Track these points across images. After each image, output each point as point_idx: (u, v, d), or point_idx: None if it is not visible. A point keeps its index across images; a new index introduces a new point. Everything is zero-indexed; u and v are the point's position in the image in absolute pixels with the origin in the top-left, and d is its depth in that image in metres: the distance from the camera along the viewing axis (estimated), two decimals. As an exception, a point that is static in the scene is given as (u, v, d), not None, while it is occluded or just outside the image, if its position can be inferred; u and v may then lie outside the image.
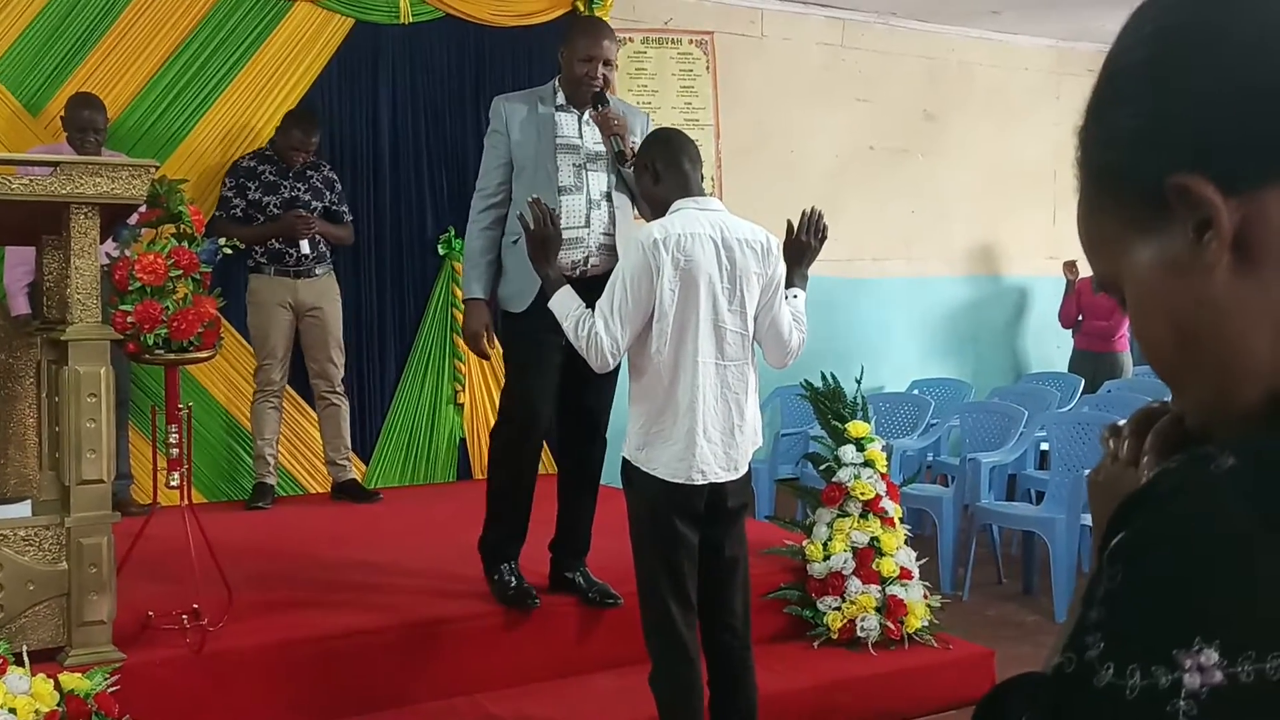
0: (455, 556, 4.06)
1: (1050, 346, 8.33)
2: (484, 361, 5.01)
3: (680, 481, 2.96)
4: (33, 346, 3.29)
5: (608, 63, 3.74)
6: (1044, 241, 8.18)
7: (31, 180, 3.08)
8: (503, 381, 4.03)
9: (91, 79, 5.36)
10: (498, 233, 3.78)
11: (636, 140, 3.77)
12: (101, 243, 3.20)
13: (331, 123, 5.82)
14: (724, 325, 2.99)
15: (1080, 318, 7.68)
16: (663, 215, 3.04)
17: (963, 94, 7.99)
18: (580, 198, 3.70)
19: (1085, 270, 7.29)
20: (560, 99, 3.79)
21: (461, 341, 4.89)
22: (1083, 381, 7.06)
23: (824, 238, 3.30)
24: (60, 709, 2.87)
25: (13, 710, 2.78)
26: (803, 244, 3.27)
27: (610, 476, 3.33)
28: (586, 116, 3.77)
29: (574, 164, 3.74)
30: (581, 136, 3.78)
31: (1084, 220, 0.78)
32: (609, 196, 3.77)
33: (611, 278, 3.04)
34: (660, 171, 3.08)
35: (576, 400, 3.82)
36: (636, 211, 3.82)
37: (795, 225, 3.28)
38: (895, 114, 7.72)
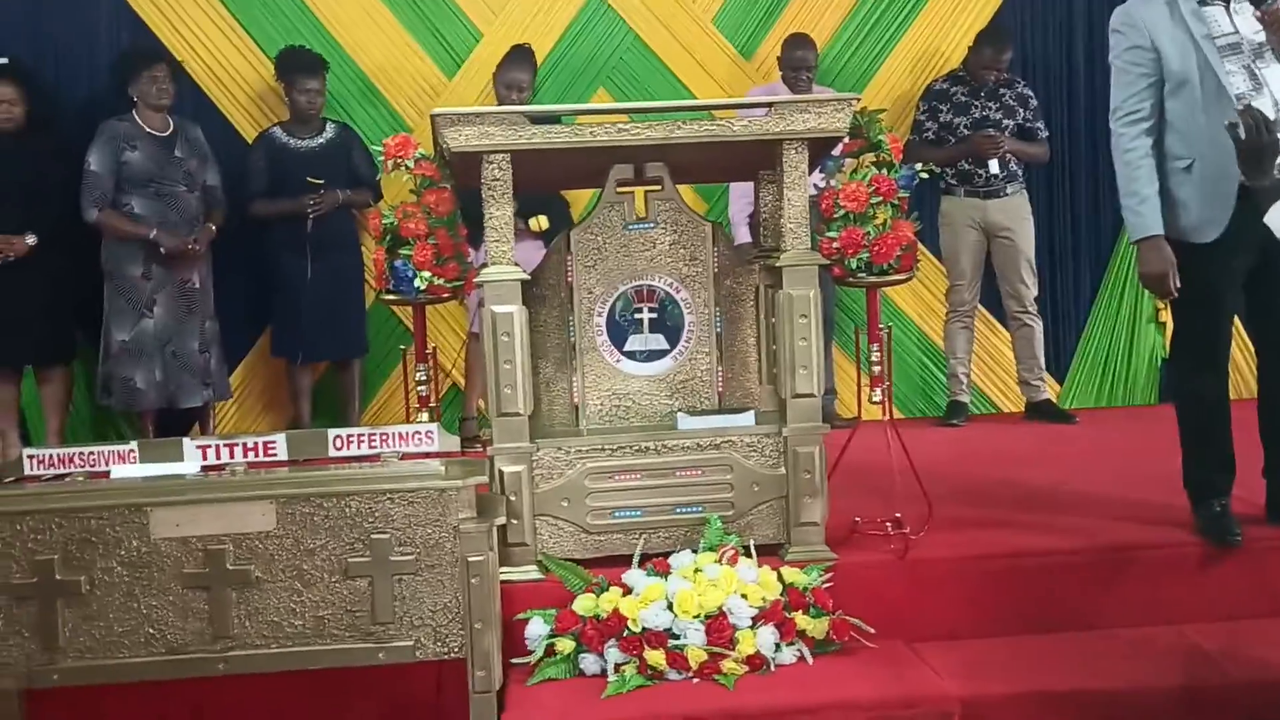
0: (1154, 483, 3.89)
1: None
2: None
3: None
4: (753, 272, 3.64)
5: None
6: None
7: (749, 121, 3.42)
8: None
9: (796, 20, 5.75)
10: (1155, 159, 3.47)
11: None
12: (809, 174, 3.46)
13: (1023, 37, 5.74)
14: None
15: None
16: None
17: None
18: (1265, 100, 3.26)
19: None
20: None
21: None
22: None
23: None
24: (782, 599, 3.21)
25: (744, 595, 3.16)
26: None
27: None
28: (1233, 6, 3.37)
29: (1243, 64, 3.32)
30: (1238, 30, 3.35)
31: None
32: None
33: None
34: None
35: (1272, 320, 3.49)
36: None
37: None
38: None
